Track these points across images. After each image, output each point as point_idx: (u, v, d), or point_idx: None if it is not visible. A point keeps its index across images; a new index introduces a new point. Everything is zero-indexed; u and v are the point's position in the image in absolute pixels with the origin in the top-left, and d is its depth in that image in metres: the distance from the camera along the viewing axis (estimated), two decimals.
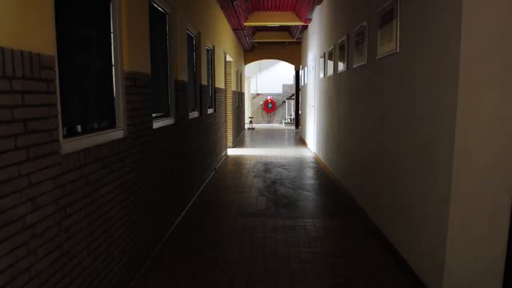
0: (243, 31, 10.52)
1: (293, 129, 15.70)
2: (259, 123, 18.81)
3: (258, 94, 19.06)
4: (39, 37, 1.75)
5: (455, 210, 2.37)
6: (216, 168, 7.33)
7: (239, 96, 13.05)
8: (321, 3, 7.85)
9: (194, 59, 5.72)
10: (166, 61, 4.15)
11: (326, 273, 3.08)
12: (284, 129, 16.22)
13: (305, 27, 10.68)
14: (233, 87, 10.60)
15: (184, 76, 4.63)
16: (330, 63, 6.70)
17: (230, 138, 10.16)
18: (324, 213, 4.72)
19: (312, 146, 9.37)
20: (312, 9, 8.69)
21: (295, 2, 8.80)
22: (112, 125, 2.72)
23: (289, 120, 18.39)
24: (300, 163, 7.93)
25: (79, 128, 2.30)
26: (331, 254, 3.44)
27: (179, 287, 2.88)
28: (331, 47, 6.57)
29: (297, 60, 14.07)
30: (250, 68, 17.56)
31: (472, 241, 2.39)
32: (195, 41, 5.72)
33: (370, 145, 4.21)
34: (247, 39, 12.05)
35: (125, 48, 2.79)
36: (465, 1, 2.23)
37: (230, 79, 10.08)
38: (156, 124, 3.56)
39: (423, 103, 2.77)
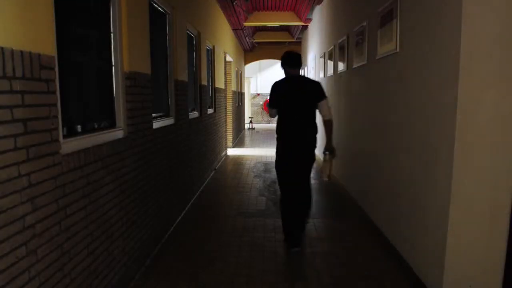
0: (243, 31, 10.52)
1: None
2: (259, 123, 18.81)
3: (258, 94, 19.06)
4: (39, 37, 1.75)
5: (455, 210, 2.37)
6: (216, 168, 7.33)
7: (239, 96, 13.04)
8: (321, 3, 7.85)
9: (194, 59, 5.72)
10: (166, 61, 4.15)
11: (326, 273, 3.08)
12: None
13: (305, 27, 10.68)
14: (233, 87, 10.60)
15: (184, 76, 4.62)
16: (330, 63, 6.71)
17: (230, 138, 10.16)
18: (324, 213, 4.72)
19: None
20: (312, 9, 8.69)
21: (295, 2, 8.80)
22: (112, 125, 2.72)
23: None
24: None
25: (79, 128, 2.30)
26: (331, 254, 3.44)
27: (179, 287, 2.88)
28: (331, 47, 6.57)
29: None
30: (250, 68, 17.55)
31: (472, 241, 2.39)
32: (195, 41, 5.72)
33: (369, 145, 4.21)
34: (247, 39, 12.05)
35: (125, 48, 2.79)
36: (465, 1, 2.23)
37: (230, 79, 10.08)
38: (156, 124, 3.56)
39: (423, 103, 2.77)
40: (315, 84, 3.52)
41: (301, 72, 15.91)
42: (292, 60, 3.54)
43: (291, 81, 3.54)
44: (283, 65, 3.60)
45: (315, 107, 3.46)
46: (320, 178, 3.50)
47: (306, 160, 3.53)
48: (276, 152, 3.63)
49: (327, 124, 3.50)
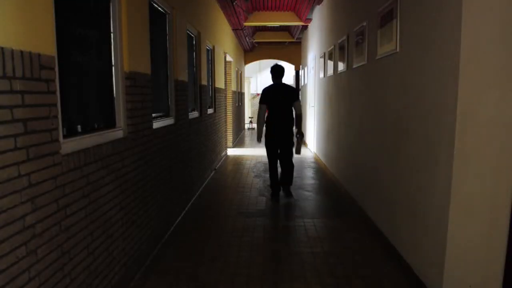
0: (243, 31, 10.52)
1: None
2: None
3: (258, 94, 19.05)
4: (39, 37, 1.75)
5: (455, 210, 2.37)
6: (216, 168, 7.33)
7: (239, 96, 13.05)
8: (321, 3, 7.85)
9: (194, 59, 5.72)
10: (166, 61, 4.15)
11: (326, 273, 3.08)
12: None
13: (305, 27, 10.68)
14: (233, 87, 10.60)
15: (184, 76, 4.62)
16: (330, 63, 6.70)
17: (230, 138, 10.16)
18: (324, 213, 4.72)
19: (312, 146, 9.37)
20: (312, 9, 8.69)
21: (295, 2, 8.80)
22: (112, 125, 2.72)
23: None
24: (300, 163, 7.92)
25: (79, 128, 2.30)
26: (331, 254, 3.44)
27: (179, 287, 2.88)
28: (331, 47, 6.57)
29: (297, 60, 14.07)
30: (250, 68, 17.56)
31: (472, 241, 2.39)
32: (195, 41, 5.72)
33: (370, 145, 4.21)
34: (247, 39, 12.05)
35: (125, 48, 2.79)
36: (465, 1, 2.23)
37: (230, 79, 10.08)
38: (156, 124, 3.56)
39: (423, 103, 2.77)
40: (293, 90, 5.35)
41: (301, 72, 15.78)
42: (278, 72, 5.26)
43: (277, 87, 5.23)
44: (271, 74, 5.28)
45: (292, 105, 5.15)
46: (294, 154, 5.29)
47: (287, 138, 5.27)
48: (266, 135, 5.26)
49: (298, 116, 5.24)
